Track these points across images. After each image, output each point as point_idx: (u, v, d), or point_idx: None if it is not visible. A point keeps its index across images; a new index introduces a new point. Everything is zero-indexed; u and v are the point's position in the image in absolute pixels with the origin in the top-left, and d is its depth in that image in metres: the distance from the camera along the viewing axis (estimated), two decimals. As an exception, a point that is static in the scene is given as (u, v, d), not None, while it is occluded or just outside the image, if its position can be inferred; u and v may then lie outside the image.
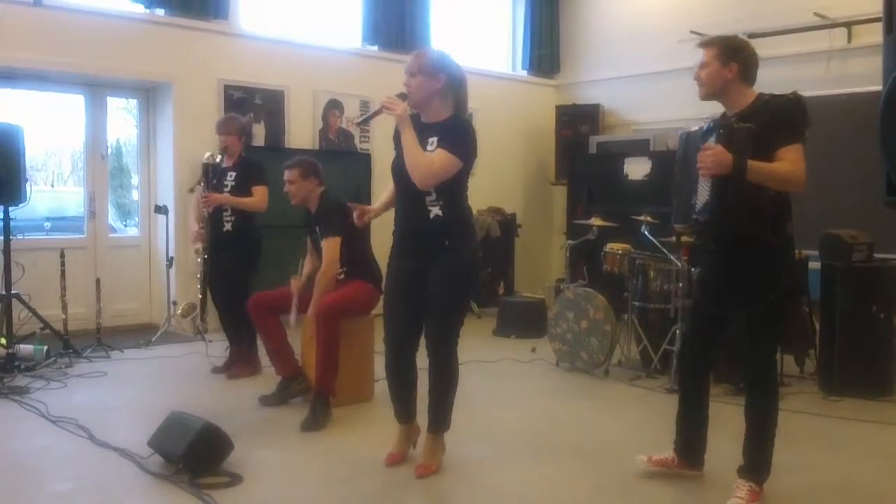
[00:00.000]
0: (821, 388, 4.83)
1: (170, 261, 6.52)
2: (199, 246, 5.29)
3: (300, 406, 4.32)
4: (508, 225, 8.44)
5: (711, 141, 2.87)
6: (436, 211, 3.21)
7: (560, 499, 3.18)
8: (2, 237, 5.29)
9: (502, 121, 8.67)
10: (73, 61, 6.24)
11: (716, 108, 3.11)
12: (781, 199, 2.90)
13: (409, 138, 3.16)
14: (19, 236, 5.62)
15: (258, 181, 5.09)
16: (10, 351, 5.10)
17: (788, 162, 2.80)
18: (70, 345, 5.53)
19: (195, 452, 3.23)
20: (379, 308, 3.94)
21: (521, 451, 3.74)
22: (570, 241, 6.15)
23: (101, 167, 6.86)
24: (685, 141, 3.13)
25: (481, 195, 7.71)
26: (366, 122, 3.77)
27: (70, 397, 4.55)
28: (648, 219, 5.29)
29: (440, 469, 3.38)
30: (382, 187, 7.65)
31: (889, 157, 3.34)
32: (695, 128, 3.13)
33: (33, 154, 6.24)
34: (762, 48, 7.12)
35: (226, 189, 5.10)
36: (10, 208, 5.31)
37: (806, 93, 6.66)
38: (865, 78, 6.13)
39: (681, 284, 4.94)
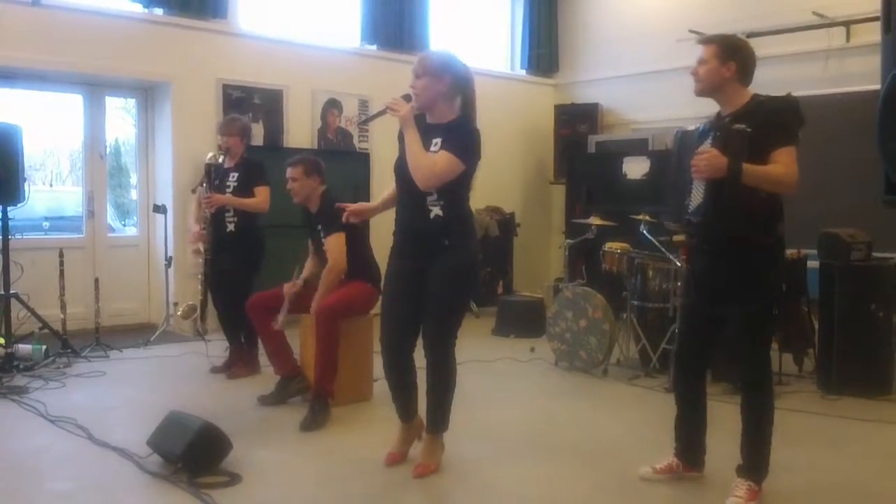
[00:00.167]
0: (819, 386, 4.83)
1: (168, 260, 6.52)
2: (200, 246, 5.28)
3: (299, 406, 4.32)
4: (507, 224, 8.44)
5: (707, 143, 2.87)
6: (436, 211, 3.21)
7: (559, 498, 3.18)
8: (0, 237, 5.28)
9: (501, 120, 8.67)
10: (72, 61, 6.23)
11: (715, 108, 3.11)
12: (773, 200, 2.91)
13: (413, 139, 3.16)
14: (18, 236, 5.63)
15: (260, 182, 5.09)
16: (9, 351, 5.09)
17: (782, 164, 2.82)
18: (69, 344, 5.52)
19: (194, 452, 3.23)
20: (378, 308, 3.94)
21: (519, 450, 3.74)
22: (568, 241, 6.15)
23: (100, 167, 6.86)
24: (680, 140, 3.13)
25: (480, 194, 7.69)
26: (369, 122, 3.78)
27: (69, 397, 4.55)
28: (647, 218, 5.29)
29: (439, 469, 3.37)
30: (381, 187, 7.64)
31: (887, 155, 3.35)
32: (691, 127, 3.13)
33: (32, 153, 6.23)
34: (761, 47, 7.13)
35: (228, 190, 5.10)
36: (9, 208, 5.31)
37: (804, 92, 6.70)
38: (864, 77, 6.13)
39: (679, 284, 4.95)
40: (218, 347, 5.59)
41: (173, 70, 6.71)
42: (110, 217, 7.15)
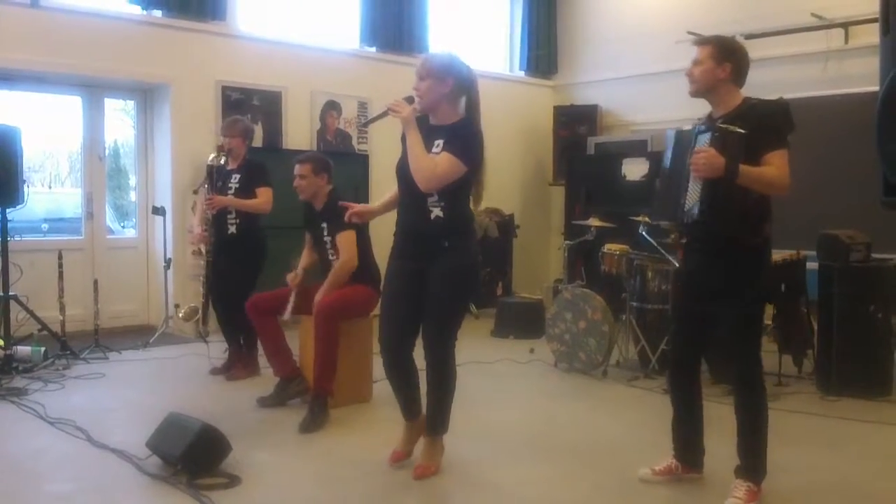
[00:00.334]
0: (819, 387, 4.83)
1: (168, 262, 6.52)
2: (201, 248, 5.28)
3: (298, 407, 4.31)
4: (506, 225, 8.44)
5: (705, 143, 2.89)
6: (437, 212, 3.22)
7: (558, 499, 3.18)
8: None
9: (500, 121, 8.65)
10: (71, 62, 6.23)
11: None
12: (764, 201, 2.97)
13: (415, 141, 3.17)
14: (17, 238, 5.62)
15: (262, 183, 5.08)
16: (8, 352, 5.09)
17: (774, 167, 2.87)
18: (68, 346, 5.52)
19: (193, 454, 3.23)
20: (378, 309, 3.94)
21: (519, 451, 3.74)
22: (568, 242, 6.16)
23: (99, 168, 6.86)
24: (676, 139, 3.14)
25: (479, 196, 7.70)
26: (371, 123, 3.78)
27: (68, 399, 4.54)
28: (646, 219, 5.29)
29: (439, 470, 3.37)
30: (380, 188, 7.65)
31: (886, 157, 3.35)
32: (686, 127, 3.15)
33: (31, 155, 6.23)
34: (760, 49, 7.16)
35: (230, 191, 5.10)
36: (8, 210, 5.31)
37: (803, 93, 6.71)
38: (862, 78, 6.14)
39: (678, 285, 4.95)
40: (218, 349, 5.58)
41: (172, 72, 6.71)
42: (109, 219, 7.15)
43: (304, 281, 4.53)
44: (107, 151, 6.98)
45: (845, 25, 6.89)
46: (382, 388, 3.70)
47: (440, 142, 3.20)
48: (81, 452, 3.62)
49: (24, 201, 5.31)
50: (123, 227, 7.45)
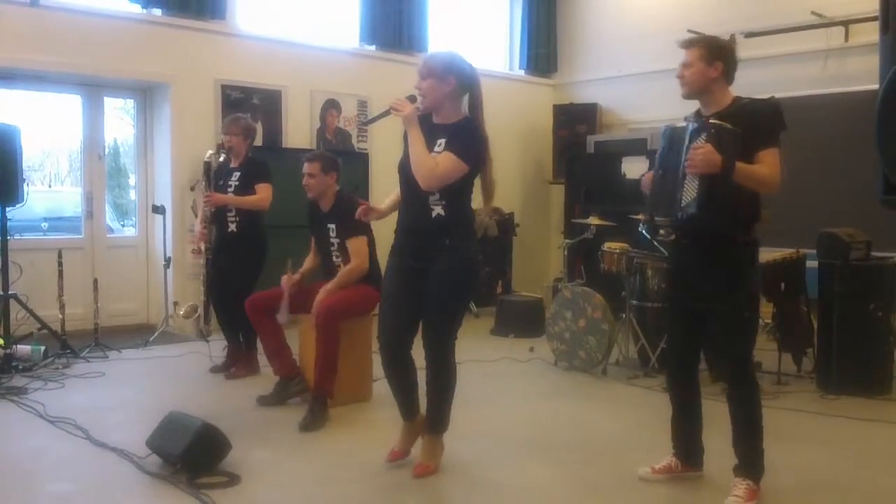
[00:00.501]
0: (819, 386, 4.83)
1: (167, 261, 6.52)
2: (201, 246, 5.28)
3: (298, 406, 4.31)
4: (506, 224, 8.44)
5: (702, 139, 2.88)
6: (438, 210, 3.22)
7: (558, 498, 3.18)
8: (-1, 237, 5.29)
9: (499, 120, 8.58)
10: (70, 61, 6.23)
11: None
12: (755, 199, 2.99)
13: (416, 140, 3.17)
14: (16, 236, 5.63)
15: (262, 179, 5.07)
16: (8, 351, 5.09)
17: (767, 165, 2.89)
18: (68, 345, 5.52)
19: (193, 452, 3.23)
20: (378, 308, 3.93)
21: (519, 450, 3.74)
22: (567, 241, 6.16)
23: (99, 167, 6.86)
24: (669, 136, 3.13)
25: (478, 194, 7.69)
26: (372, 122, 3.78)
27: (68, 398, 4.54)
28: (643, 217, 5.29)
29: (438, 469, 3.37)
30: (380, 187, 7.67)
31: (885, 155, 3.35)
32: (680, 123, 3.14)
33: (30, 154, 6.24)
34: (759, 47, 7.16)
35: (230, 189, 5.09)
36: (8, 208, 5.31)
37: (803, 92, 6.70)
38: (862, 77, 6.14)
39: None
40: (218, 348, 5.58)
41: (172, 71, 6.70)
42: (109, 218, 7.15)
43: (301, 283, 4.51)
44: (106, 150, 6.98)
45: (845, 23, 6.89)
46: (382, 387, 3.70)
47: (442, 141, 3.20)
48: (81, 451, 3.63)
49: (23, 200, 5.31)
50: (123, 225, 7.45)
